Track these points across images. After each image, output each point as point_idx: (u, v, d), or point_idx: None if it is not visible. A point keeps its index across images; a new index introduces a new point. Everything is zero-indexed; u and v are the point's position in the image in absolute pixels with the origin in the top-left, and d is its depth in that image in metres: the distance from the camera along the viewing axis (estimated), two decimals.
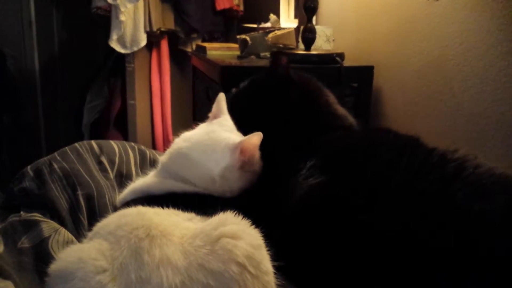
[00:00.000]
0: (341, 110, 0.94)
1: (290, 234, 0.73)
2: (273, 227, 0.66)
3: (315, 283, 0.70)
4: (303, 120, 0.89)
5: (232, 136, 0.80)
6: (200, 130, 0.84)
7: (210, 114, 0.87)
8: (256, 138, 0.75)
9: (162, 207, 0.69)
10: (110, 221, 0.67)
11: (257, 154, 0.79)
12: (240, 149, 0.75)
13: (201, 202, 0.73)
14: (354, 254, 0.66)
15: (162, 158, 0.84)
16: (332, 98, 0.95)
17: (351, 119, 0.93)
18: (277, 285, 0.64)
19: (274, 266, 0.63)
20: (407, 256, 0.62)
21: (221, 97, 0.88)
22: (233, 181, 0.77)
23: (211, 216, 0.67)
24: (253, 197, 0.80)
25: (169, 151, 0.83)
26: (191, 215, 0.69)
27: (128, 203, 0.74)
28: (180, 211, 0.69)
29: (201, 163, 0.78)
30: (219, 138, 0.79)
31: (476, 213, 0.61)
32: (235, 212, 0.65)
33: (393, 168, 0.70)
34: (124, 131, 2.65)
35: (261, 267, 0.60)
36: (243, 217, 0.65)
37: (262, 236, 0.64)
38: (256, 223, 0.65)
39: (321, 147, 0.81)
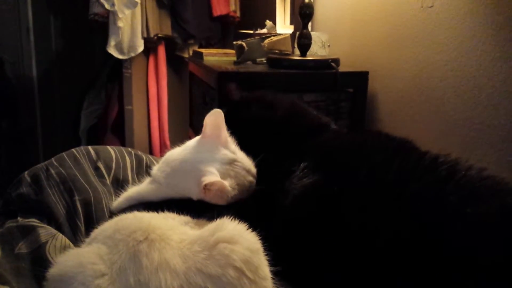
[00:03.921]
0: (314, 111, 0.98)
1: (286, 234, 0.74)
2: (270, 229, 0.67)
3: (314, 284, 0.71)
4: (288, 127, 0.90)
5: (201, 171, 0.76)
6: (181, 155, 0.81)
7: (206, 131, 0.81)
8: (219, 183, 0.73)
9: (158, 212, 0.69)
10: (107, 226, 0.68)
11: (225, 192, 0.75)
12: (202, 189, 0.74)
13: (197, 207, 0.74)
14: (348, 254, 0.67)
15: (154, 170, 0.84)
16: (298, 101, 1.00)
17: (325, 118, 0.96)
18: None
19: (272, 272, 0.63)
20: (401, 257, 0.63)
21: (219, 114, 0.81)
22: (214, 201, 0.77)
23: (208, 219, 0.67)
24: (249, 201, 0.81)
25: (159, 165, 0.84)
26: (187, 218, 0.69)
27: (124, 210, 0.74)
28: (176, 214, 0.70)
29: (180, 186, 0.78)
30: (191, 169, 0.77)
31: (470, 216, 0.61)
32: (231, 217, 0.65)
33: (386, 169, 0.71)
34: (121, 136, 2.65)
35: (259, 272, 0.60)
36: (240, 221, 0.65)
37: (260, 239, 0.64)
38: (253, 226, 0.66)
39: (313, 149, 0.82)
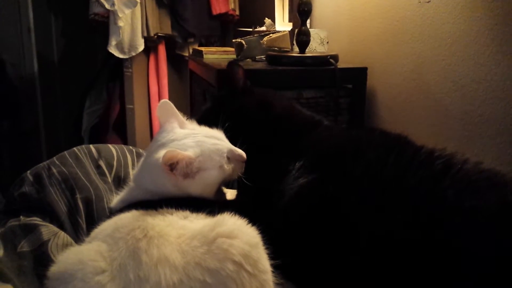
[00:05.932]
0: (305, 110, 0.99)
1: (283, 235, 0.74)
2: (268, 226, 0.67)
3: (313, 281, 0.71)
4: (283, 125, 0.91)
5: (158, 159, 0.72)
6: (144, 157, 0.82)
7: (160, 121, 0.82)
8: (175, 153, 0.71)
9: (157, 209, 0.70)
10: (107, 225, 0.69)
11: (189, 161, 0.73)
12: (168, 171, 0.72)
13: (196, 202, 0.74)
14: (346, 250, 0.68)
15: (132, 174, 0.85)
16: (293, 102, 1.02)
17: (318, 116, 0.97)
18: (276, 283, 0.65)
19: (272, 265, 0.64)
20: (399, 252, 0.63)
21: (166, 103, 0.82)
22: (194, 189, 0.76)
23: (207, 213, 0.68)
24: (248, 199, 0.81)
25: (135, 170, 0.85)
26: (186, 213, 0.70)
27: (122, 210, 0.74)
28: (175, 210, 0.70)
29: (153, 185, 0.77)
30: (151, 161, 0.76)
31: (467, 210, 0.62)
32: (231, 213, 0.66)
33: (381, 166, 0.71)
34: (123, 135, 2.66)
35: (258, 266, 0.61)
36: (239, 217, 0.66)
37: (260, 234, 0.65)
38: (253, 222, 0.66)
39: (308, 148, 0.82)
